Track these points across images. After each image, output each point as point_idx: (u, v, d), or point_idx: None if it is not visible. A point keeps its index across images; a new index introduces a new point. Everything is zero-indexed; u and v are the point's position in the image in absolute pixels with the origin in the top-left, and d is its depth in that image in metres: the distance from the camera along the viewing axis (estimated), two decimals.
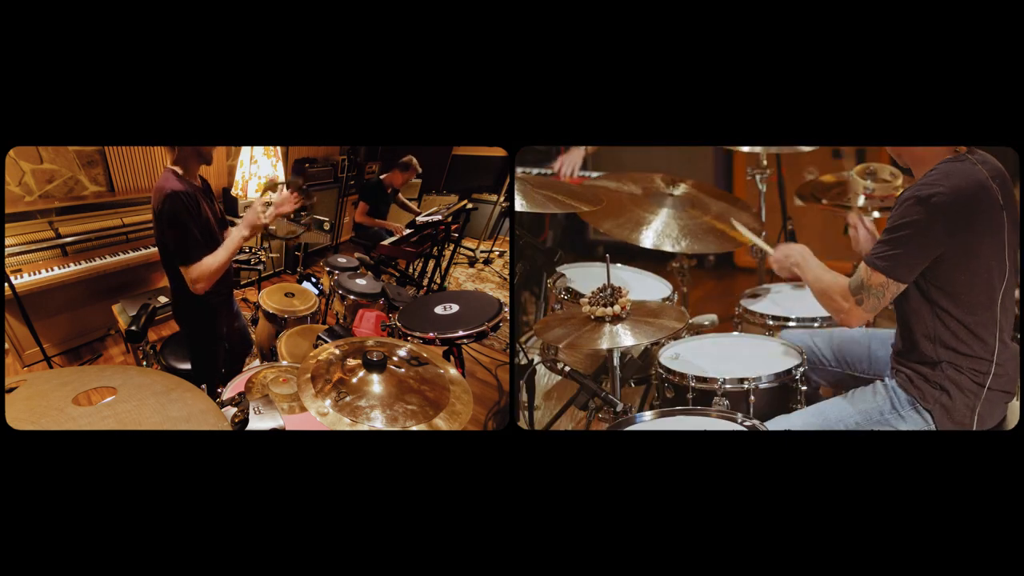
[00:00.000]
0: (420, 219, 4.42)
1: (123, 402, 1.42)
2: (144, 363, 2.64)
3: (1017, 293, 1.89)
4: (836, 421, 1.92)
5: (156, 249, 3.83)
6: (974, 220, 1.74)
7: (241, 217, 4.46)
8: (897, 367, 1.91)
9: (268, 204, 2.53)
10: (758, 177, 2.98)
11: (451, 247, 4.68)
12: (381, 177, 5.03)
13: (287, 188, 2.72)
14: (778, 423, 1.99)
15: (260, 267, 3.82)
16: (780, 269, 2.18)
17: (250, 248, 3.89)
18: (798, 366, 2.12)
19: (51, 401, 1.39)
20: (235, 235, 2.41)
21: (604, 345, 1.97)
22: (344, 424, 1.64)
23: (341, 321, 3.38)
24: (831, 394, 2.14)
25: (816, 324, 2.44)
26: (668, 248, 2.52)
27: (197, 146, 2.33)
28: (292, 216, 2.90)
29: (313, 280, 3.69)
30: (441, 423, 1.69)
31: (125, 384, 1.48)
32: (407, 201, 5.41)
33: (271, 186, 3.15)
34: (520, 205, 2.36)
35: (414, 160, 4.93)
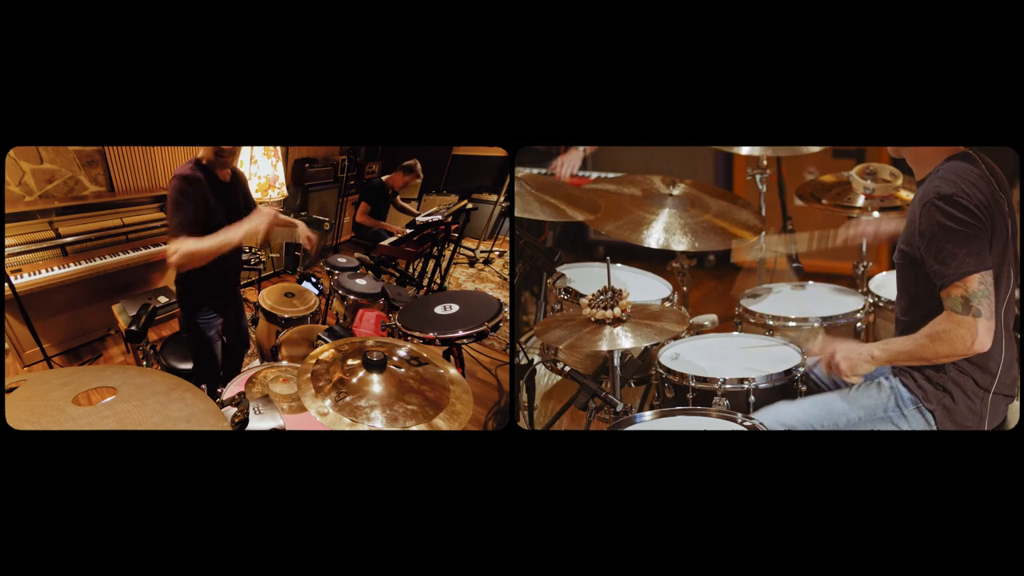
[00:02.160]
0: (420, 219, 4.42)
1: (123, 402, 1.41)
2: (144, 363, 2.64)
3: (1017, 293, 1.89)
4: (839, 414, 1.91)
5: (156, 249, 3.86)
6: (991, 216, 1.73)
7: None
8: (900, 368, 1.91)
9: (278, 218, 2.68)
10: (758, 177, 2.98)
11: (451, 247, 4.68)
12: (383, 178, 5.03)
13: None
14: (780, 410, 1.97)
15: (260, 267, 3.83)
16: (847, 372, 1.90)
17: (250, 248, 3.90)
18: (798, 366, 2.12)
19: (51, 401, 1.39)
20: (230, 234, 2.45)
21: (604, 347, 1.97)
22: (344, 424, 1.64)
23: (341, 321, 3.38)
24: None
25: (816, 324, 2.44)
26: (672, 247, 2.52)
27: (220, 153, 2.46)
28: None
29: (313, 280, 3.69)
30: (441, 423, 1.69)
31: (125, 384, 1.48)
32: (404, 203, 5.41)
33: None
34: (519, 210, 2.37)
35: (418, 165, 4.92)
